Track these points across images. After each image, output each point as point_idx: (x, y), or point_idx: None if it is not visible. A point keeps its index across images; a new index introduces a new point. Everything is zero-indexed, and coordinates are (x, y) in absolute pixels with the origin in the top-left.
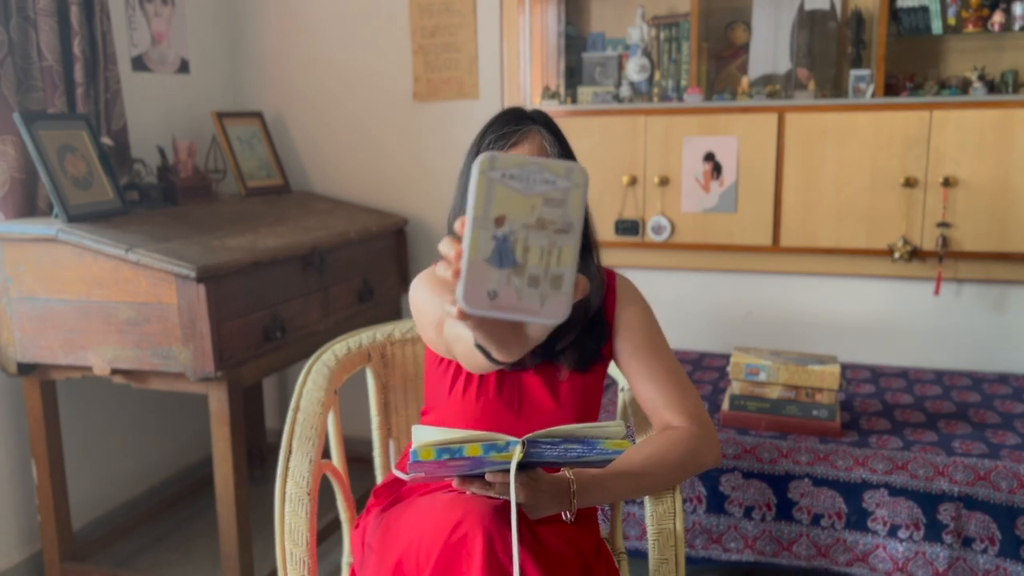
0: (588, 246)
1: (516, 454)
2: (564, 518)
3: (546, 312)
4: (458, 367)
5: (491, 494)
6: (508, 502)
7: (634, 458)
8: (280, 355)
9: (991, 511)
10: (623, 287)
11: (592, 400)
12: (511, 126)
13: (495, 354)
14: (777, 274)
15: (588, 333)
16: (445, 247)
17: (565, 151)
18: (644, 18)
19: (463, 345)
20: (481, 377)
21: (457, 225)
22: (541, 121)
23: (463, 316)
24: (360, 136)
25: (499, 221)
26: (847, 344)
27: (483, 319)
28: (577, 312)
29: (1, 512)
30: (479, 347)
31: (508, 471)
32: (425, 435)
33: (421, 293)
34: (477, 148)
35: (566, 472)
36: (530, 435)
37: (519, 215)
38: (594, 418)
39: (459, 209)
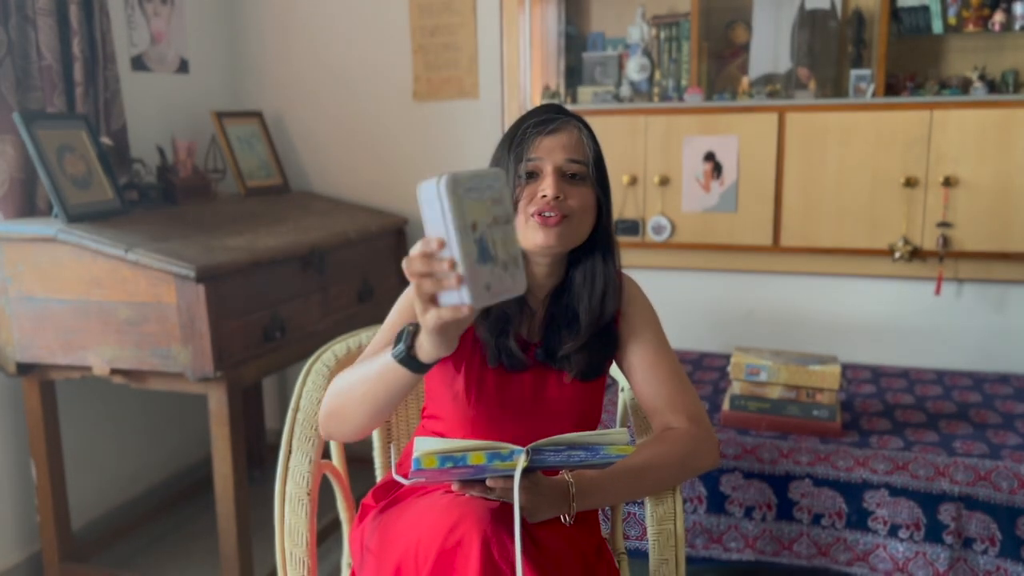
0: (610, 247)
1: (520, 463)
2: (563, 521)
3: (516, 287)
4: (454, 373)
5: (491, 497)
6: (506, 504)
7: (633, 460)
8: (280, 355)
9: (992, 511)
10: (629, 287)
11: (594, 404)
12: (552, 114)
13: (441, 349)
14: (777, 274)
15: (598, 340)
16: (423, 266)
17: (599, 152)
18: (644, 18)
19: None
20: (480, 382)
21: (433, 244)
22: (580, 119)
23: (472, 311)
24: (360, 136)
25: (474, 227)
26: (847, 344)
27: (451, 323)
28: (587, 318)
29: (0, 512)
30: (403, 361)
31: (510, 477)
32: (427, 446)
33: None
34: (512, 136)
35: (565, 475)
36: (534, 444)
37: (482, 218)
38: (596, 422)
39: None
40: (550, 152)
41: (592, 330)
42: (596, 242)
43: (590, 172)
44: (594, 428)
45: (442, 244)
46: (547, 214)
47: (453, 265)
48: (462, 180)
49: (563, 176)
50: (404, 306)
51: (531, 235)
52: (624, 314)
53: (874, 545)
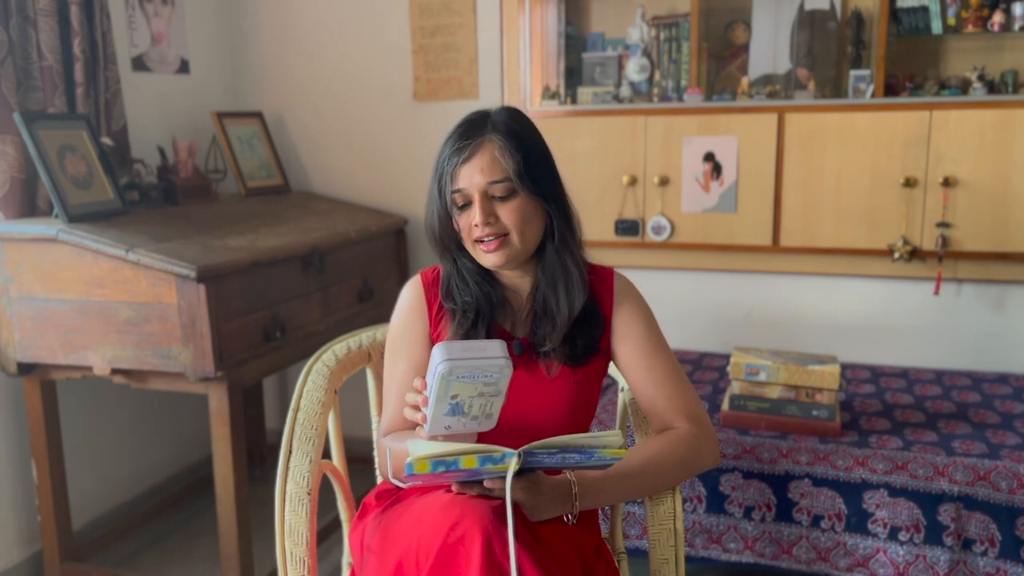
0: (571, 246)
1: (512, 465)
2: (566, 520)
3: (482, 428)
4: None
5: (492, 495)
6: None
7: (634, 460)
8: (280, 355)
9: (991, 511)
10: (621, 286)
11: (585, 399)
12: (464, 140)
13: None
14: (777, 274)
15: (579, 329)
16: (412, 398)
17: (529, 155)
18: (644, 18)
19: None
20: None
21: (418, 382)
22: (501, 127)
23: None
24: (360, 136)
25: (453, 397)
26: (847, 344)
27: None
28: (560, 312)
29: (1, 512)
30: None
31: (505, 479)
32: (421, 448)
33: (398, 361)
34: (435, 168)
35: (567, 474)
36: (526, 446)
37: (468, 394)
38: (587, 418)
39: (434, 211)
40: (470, 179)
41: (569, 321)
42: (549, 239)
43: (518, 183)
44: (587, 421)
45: (424, 387)
46: (485, 239)
47: (426, 403)
48: (457, 369)
49: (491, 198)
50: (404, 306)
51: (482, 259)
52: (618, 313)
53: (874, 549)
